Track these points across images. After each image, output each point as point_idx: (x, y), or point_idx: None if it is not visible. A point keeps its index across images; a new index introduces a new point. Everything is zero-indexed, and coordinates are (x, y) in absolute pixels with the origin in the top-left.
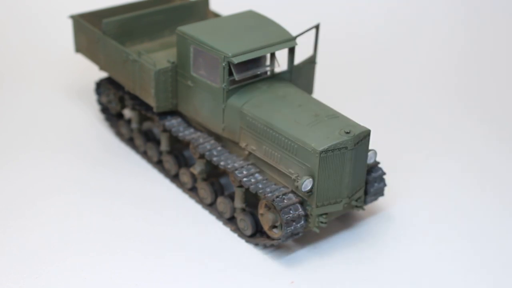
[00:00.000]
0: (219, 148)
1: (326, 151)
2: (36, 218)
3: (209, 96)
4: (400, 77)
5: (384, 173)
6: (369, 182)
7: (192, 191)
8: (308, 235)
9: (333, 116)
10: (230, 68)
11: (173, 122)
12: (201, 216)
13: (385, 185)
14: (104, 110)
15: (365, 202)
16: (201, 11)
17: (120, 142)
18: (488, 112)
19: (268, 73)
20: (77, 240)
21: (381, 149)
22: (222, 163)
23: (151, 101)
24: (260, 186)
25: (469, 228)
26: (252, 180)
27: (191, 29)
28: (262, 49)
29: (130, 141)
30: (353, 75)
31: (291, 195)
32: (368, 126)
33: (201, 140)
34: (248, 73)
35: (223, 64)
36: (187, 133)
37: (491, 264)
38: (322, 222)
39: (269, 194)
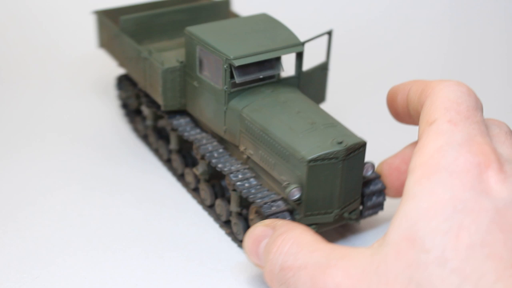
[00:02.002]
0: (221, 150)
1: (315, 160)
2: (36, 218)
3: (212, 98)
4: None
5: (384, 187)
6: (366, 195)
7: (195, 191)
8: None
9: (330, 125)
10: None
11: (181, 122)
12: (201, 217)
13: (384, 199)
14: (124, 105)
15: (362, 215)
16: (222, 12)
17: (136, 138)
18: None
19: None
20: (77, 240)
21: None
22: (220, 165)
23: (159, 99)
24: (252, 191)
25: None
26: (246, 185)
27: (198, 29)
28: (265, 53)
29: (145, 138)
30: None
31: (280, 202)
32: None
33: (204, 141)
34: (250, 77)
35: (225, 66)
36: (192, 133)
37: None
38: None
39: (259, 200)
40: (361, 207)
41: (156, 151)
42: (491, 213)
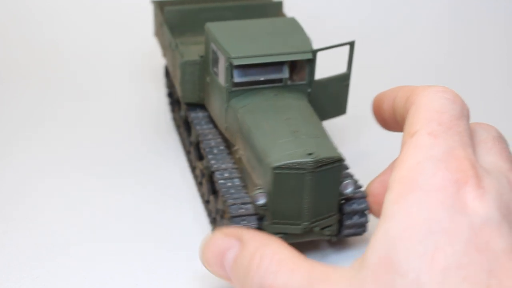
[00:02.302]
0: (222, 147)
1: (281, 168)
2: (36, 218)
3: (219, 95)
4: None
5: (367, 208)
6: (346, 213)
7: (200, 185)
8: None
9: (313, 136)
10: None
11: (198, 115)
12: (202, 213)
13: (367, 220)
14: (170, 94)
15: (341, 234)
16: (272, 13)
17: (172, 127)
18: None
19: (287, 82)
20: (77, 240)
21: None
22: (212, 161)
23: (179, 91)
24: (231, 191)
25: None
26: (228, 184)
27: (216, 26)
28: (268, 56)
29: (178, 128)
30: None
31: (250, 206)
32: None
33: (209, 136)
34: (250, 78)
35: (226, 65)
36: (203, 128)
37: None
38: None
39: (230, 201)
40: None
41: (183, 142)
42: (467, 233)
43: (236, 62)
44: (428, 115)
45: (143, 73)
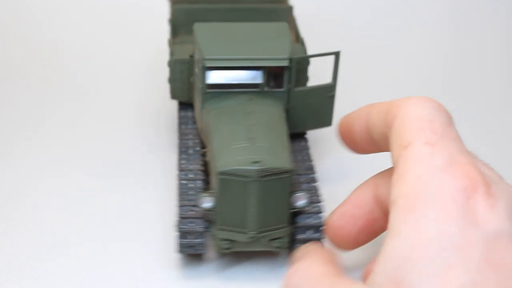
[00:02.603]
0: (198, 148)
1: (225, 173)
2: (36, 218)
3: (197, 95)
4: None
5: (321, 225)
6: (298, 227)
7: None
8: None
9: (270, 144)
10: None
11: (188, 114)
12: None
13: (321, 237)
14: None
15: (293, 247)
16: (283, 17)
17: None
18: (484, 113)
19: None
20: (78, 240)
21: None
22: (182, 161)
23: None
24: (190, 192)
25: None
26: (190, 185)
27: (202, 27)
28: (241, 60)
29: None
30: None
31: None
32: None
33: (189, 136)
34: (223, 80)
35: (200, 66)
36: (186, 127)
37: None
38: (224, 248)
39: (181, 202)
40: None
41: None
42: (480, 248)
43: (209, 64)
44: (418, 125)
45: (143, 73)
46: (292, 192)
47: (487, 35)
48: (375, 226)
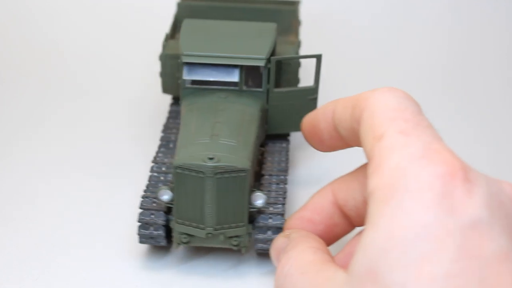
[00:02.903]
0: None
1: (181, 168)
2: (36, 218)
3: (180, 90)
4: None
5: (281, 227)
6: (258, 227)
7: None
8: None
9: (231, 142)
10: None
11: (178, 109)
12: None
13: None
14: None
15: (255, 247)
16: (286, 18)
17: None
18: (485, 113)
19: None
20: (78, 240)
21: None
22: (159, 154)
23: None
24: (158, 185)
25: None
26: (161, 178)
27: (189, 23)
28: (220, 57)
29: None
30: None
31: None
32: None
33: (173, 130)
34: (200, 77)
35: (179, 61)
36: (175, 121)
37: None
38: (182, 242)
39: (146, 193)
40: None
41: None
42: (457, 237)
43: (186, 59)
44: (389, 114)
45: (144, 73)
46: (251, 191)
47: (487, 36)
48: (336, 231)
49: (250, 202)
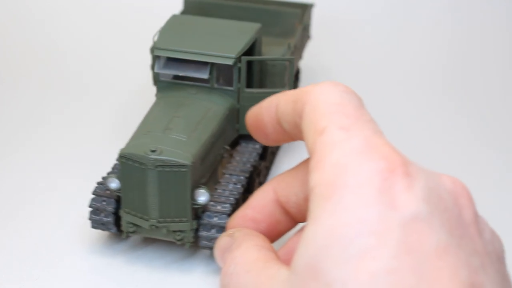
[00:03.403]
0: None
1: (125, 157)
2: (36, 218)
3: None
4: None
5: (224, 225)
6: (202, 224)
7: None
8: None
9: (182, 137)
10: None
11: None
12: None
13: None
14: None
15: (200, 244)
16: (290, 21)
17: None
18: (485, 112)
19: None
20: (78, 240)
21: None
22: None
23: None
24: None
25: None
26: None
27: (175, 18)
28: (190, 53)
29: None
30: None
31: None
32: None
33: None
34: (171, 71)
35: (152, 54)
36: None
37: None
38: (129, 231)
39: (100, 180)
40: None
41: None
42: (397, 232)
43: (157, 53)
44: (331, 109)
45: (144, 73)
46: (195, 187)
47: (488, 36)
48: (279, 228)
49: (193, 198)
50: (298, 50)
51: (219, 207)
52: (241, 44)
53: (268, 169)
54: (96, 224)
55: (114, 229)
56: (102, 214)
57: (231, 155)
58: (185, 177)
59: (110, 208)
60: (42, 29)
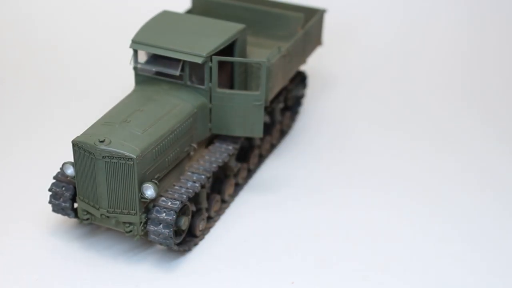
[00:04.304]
0: None
1: (77, 145)
2: (36, 218)
3: None
4: (400, 76)
5: (172, 222)
6: (150, 218)
7: None
8: None
9: (136, 130)
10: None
11: None
12: None
13: (170, 235)
14: None
15: (149, 237)
16: (289, 25)
17: None
18: (489, 112)
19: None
20: (77, 240)
21: (381, 147)
22: None
23: None
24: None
25: (468, 229)
26: None
27: (164, 14)
28: (162, 49)
29: None
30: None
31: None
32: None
33: None
34: (147, 67)
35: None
36: None
37: (491, 264)
38: (83, 219)
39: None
40: None
41: None
42: None
43: (132, 46)
44: None
45: None
46: (144, 181)
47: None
48: None
49: (142, 192)
50: (296, 55)
51: (169, 203)
52: (215, 43)
53: (251, 171)
54: (56, 208)
55: (72, 215)
56: (61, 199)
57: (199, 154)
58: (131, 170)
59: (68, 194)
60: (42, 28)
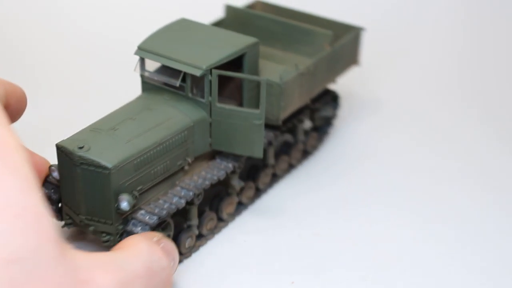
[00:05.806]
0: None
1: (60, 149)
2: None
3: None
4: (400, 78)
5: (145, 230)
6: (126, 231)
7: None
8: None
9: (122, 139)
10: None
11: None
12: None
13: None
14: None
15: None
16: (317, 42)
17: None
18: (490, 113)
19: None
20: (78, 240)
21: (383, 147)
22: None
23: None
24: None
25: (467, 229)
26: None
27: (180, 22)
28: (165, 59)
29: None
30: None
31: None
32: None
33: None
34: (152, 74)
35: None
36: None
37: (490, 264)
38: (66, 223)
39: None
40: None
41: None
42: None
43: (137, 53)
44: None
45: None
46: (121, 192)
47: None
48: None
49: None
50: (321, 73)
51: (147, 218)
52: (218, 56)
53: (260, 191)
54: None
55: (58, 218)
56: (49, 202)
57: (195, 168)
58: (107, 179)
59: (55, 197)
60: (42, 28)
